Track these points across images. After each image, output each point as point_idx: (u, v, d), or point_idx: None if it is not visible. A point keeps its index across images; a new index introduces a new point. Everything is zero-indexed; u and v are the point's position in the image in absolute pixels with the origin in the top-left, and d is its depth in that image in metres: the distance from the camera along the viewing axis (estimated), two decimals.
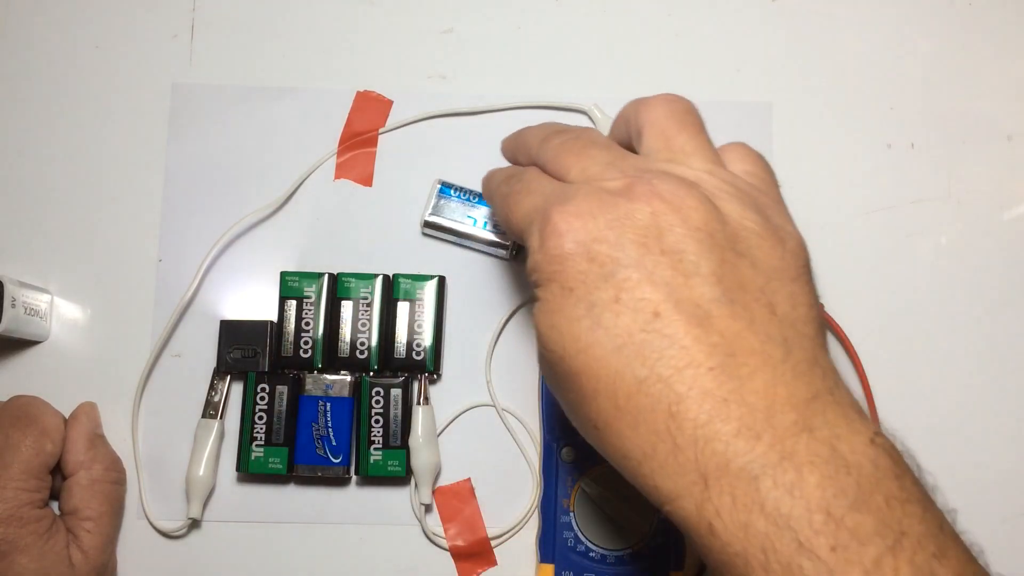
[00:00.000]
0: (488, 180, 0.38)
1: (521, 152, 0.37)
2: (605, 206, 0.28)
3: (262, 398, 0.43)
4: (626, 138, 0.34)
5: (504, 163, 0.39)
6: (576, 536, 0.41)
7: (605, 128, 0.45)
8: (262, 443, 0.43)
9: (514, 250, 0.45)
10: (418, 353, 0.43)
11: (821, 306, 0.44)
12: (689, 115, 0.32)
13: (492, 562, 0.43)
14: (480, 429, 0.44)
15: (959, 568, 0.24)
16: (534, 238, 0.30)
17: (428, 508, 0.43)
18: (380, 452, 0.43)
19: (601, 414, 0.27)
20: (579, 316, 0.28)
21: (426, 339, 0.43)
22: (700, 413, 0.25)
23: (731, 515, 0.24)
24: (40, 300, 0.44)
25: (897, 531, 0.24)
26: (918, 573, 0.23)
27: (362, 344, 0.43)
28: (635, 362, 0.27)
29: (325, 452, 0.43)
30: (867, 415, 0.27)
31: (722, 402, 0.25)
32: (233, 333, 0.44)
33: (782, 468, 0.24)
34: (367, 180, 0.46)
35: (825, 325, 0.29)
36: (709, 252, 0.27)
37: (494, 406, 0.44)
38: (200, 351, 0.44)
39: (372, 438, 0.43)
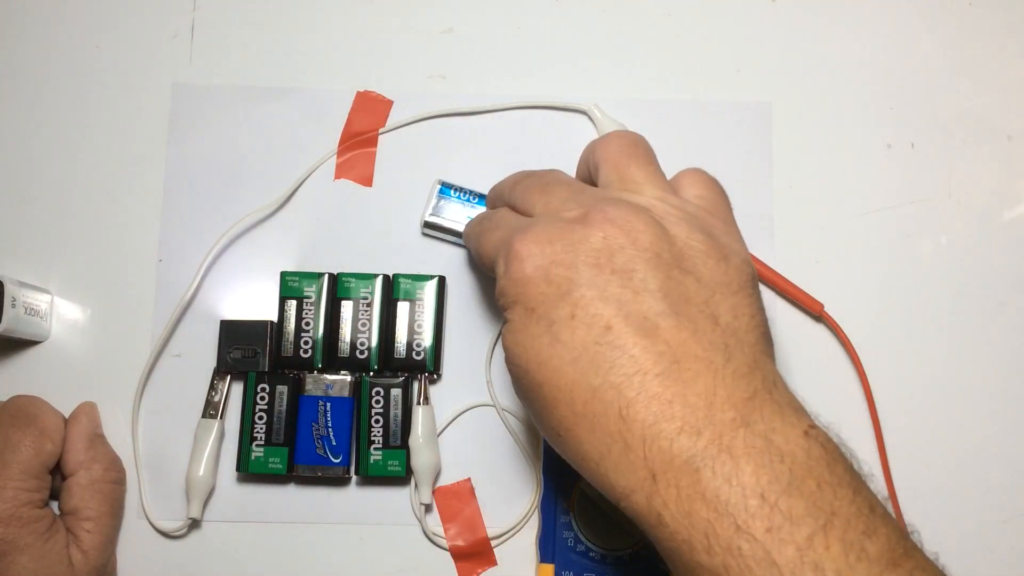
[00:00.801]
0: (466, 226, 0.41)
1: (498, 199, 0.40)
2: (562, 233, 0.31)
3: (262, 398, 0.43)
4: (588, 177, 0.37)
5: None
6: (576, 536, 0.41)
7: (605, 127, 0.45)
8: (262, 443, 0.43)
9: None
10: (418, 353, 0.43)
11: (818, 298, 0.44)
12: (638, 147, 0.35)
13: (492, 562, 0.43)
14: (480, 429, 0.44)
15: (888, 544, 0.26)
16: (500, 266, 0.32)
17: (428, 508, 0.43)
18: (380, 452, 0.43)
19: (563, 421, 0.30)
20: (540, 333, 0.30)
21: (426, 339, 0.43)
22: (648, 415, 0.28)
23: (677, 505, 0.27)
24: (40, 300, 0.44)
25: (828, 512, 0.26)
26: (848, 549, 0.25)
27: (362, 344, 0.43)
28: (590, 372, 0.29)
29: (325, 452, 0.43)
30: (806, 411, 0.29)
31: (667, 404, 0.28)
32: (233, 333, 0.44)
33: (721, 460, 0.27)
34: (367, 180, 0.46)
35: (769, 333, 0.31)
36: (656, 270, 0.30)
37: (494, 406, 0.44)
38: (200, 351, 0.44)
39: (372, 438, 0.43)
